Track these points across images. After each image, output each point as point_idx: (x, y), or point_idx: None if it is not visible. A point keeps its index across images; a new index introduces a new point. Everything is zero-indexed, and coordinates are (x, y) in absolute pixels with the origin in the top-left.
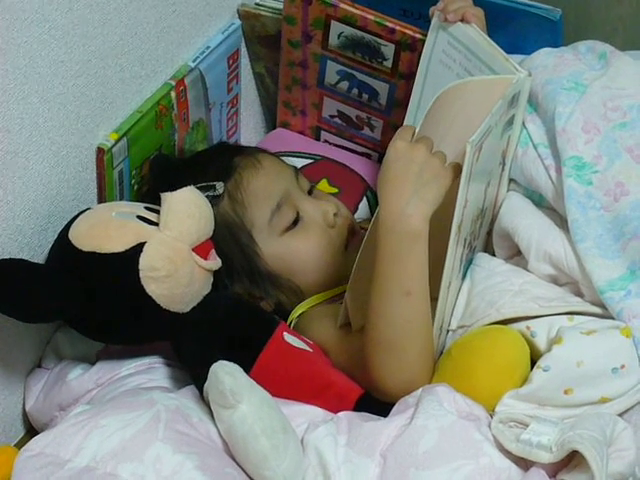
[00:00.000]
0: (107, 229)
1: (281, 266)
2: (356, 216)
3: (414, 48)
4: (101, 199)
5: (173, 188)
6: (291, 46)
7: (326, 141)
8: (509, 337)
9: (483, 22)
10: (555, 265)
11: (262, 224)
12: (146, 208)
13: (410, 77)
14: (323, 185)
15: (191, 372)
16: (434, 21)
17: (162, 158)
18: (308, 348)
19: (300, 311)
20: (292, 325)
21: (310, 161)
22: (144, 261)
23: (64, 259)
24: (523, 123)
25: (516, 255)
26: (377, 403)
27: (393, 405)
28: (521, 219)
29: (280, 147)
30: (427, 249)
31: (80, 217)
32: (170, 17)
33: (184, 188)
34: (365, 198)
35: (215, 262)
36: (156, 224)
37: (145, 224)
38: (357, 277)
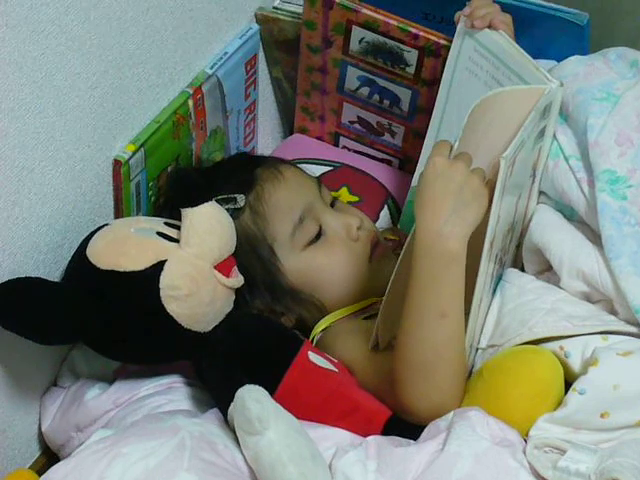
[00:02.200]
0: (126, 246)
1: (303, 281)
2: (377, 224)
3: (438, 54)
4: (118, 212)
5: (193, 202)
6: (310, 51)
7: (345, 147)
8: (543, 358)
9: (511, 29)
10: (588, 282)
11: (284, 238)
12: (166, 224)
13: (433, 83)
14: (344, 193)
15: (213, 393)
16: (460, 27)
17: (181, 171)
18: (334, 368)
19: (323, 326)
20: (315, 341)
21: (329, 168)
22: (165, 280)
23: (82, 277)
24: (554, 134)
25: (547, 270)
26: (406, 426)
27: (423, 427)
28: (552, 234)
29: (298, 154)
30: (464, 270)
31: (98, 233)
32: (187, 23)
33: (205, 204)
34: (386, 206)
35: (238, 279)
36: (176, 240)
37: (165, 241)
38: (391, 297)
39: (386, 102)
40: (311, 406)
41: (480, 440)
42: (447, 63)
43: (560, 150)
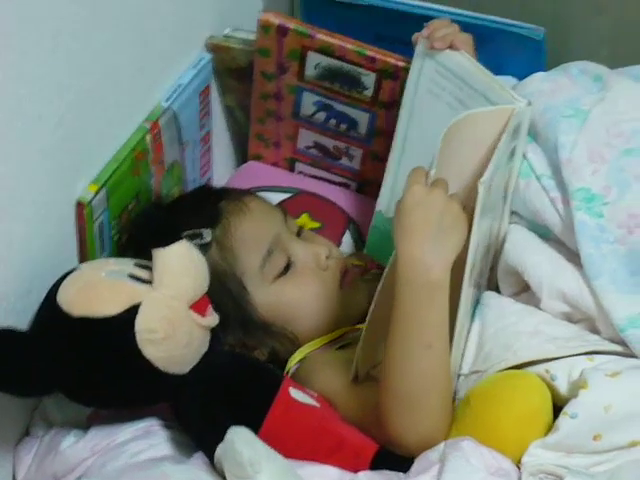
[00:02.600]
0: (98, 291)
1: (275, 314)
2: (341, 250)
3: (396, 76)
4: (82, 254)
5: (162, 241)
6: (265, 78)
7: (301, 172)
8: (530, 383)
9: (472, 49)
10: (569, 303)
11: (253, 271)
12: (136, 265)
13: (392, 106)
14: (305, 220)
15: (194, 436)
16: (419, 48)
17: (145, 210)
18: (315, 403)
19: (298, 358)
20: (290, 374)
21: (288, 195)
22: (141, 323)
23: (54, 326)
24: (524, 154)
25: (523, 291)
26: (395, 458)
27: (411, 459)
28: (529, 255)
29: (253, 181)
30: (448, 299)
31: (67, 279)
32: (142, 57)
33: (177, 243)
34: (348, 231)
35: (213, 318)
36: (149, 282)
37: (138, 283)
38: (371, 327)
39: (343, 126)
40: (296, 444)
41: (476, 472)
42: (407, 85)
43: (531, 169)
